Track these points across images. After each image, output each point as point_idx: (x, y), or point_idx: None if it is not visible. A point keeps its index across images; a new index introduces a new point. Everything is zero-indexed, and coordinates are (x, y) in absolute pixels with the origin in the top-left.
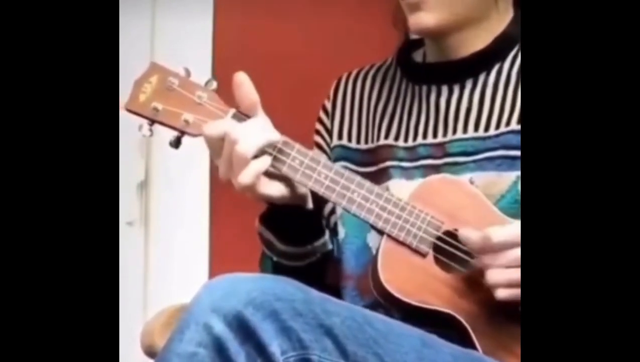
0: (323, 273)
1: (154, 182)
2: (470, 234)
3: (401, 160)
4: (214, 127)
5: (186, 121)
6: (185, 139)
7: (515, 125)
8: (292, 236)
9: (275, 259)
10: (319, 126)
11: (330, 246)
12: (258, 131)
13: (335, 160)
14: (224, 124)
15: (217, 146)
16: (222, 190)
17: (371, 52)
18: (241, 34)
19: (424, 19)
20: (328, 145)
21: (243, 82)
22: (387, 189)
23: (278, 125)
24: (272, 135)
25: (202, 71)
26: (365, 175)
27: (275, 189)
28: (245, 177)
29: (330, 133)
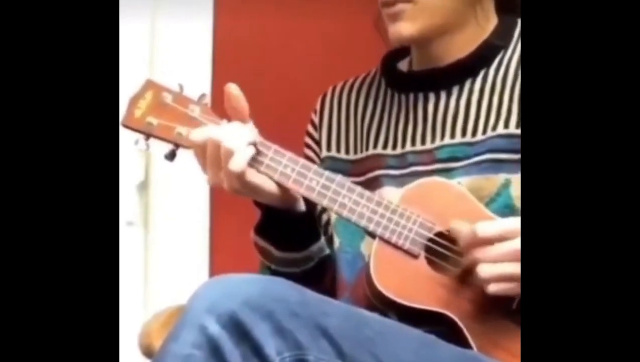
0: (320, 280)
1: (154, 182)
2: (461, 228)
3: (391, 168)
4: (198, 134)
5: (179, 134)
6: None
7: (501, 130)
8: (288, 241)
9: (273, 267)
10: (307, 140)
11: (327, 251)
12: (240, 129)
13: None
14: (207, 130)
15: (203, 154)
16: (222, 190)
17: (372, 53)
18: (241, 35)
19: (403, 28)
20: (318, 156)
21: (233, 93)
22: None
23: (277, 124)
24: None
25: (201, 72)
26: (356, 185)
27: (263, 180)
28: (235, 164)
29: (319, 145)
